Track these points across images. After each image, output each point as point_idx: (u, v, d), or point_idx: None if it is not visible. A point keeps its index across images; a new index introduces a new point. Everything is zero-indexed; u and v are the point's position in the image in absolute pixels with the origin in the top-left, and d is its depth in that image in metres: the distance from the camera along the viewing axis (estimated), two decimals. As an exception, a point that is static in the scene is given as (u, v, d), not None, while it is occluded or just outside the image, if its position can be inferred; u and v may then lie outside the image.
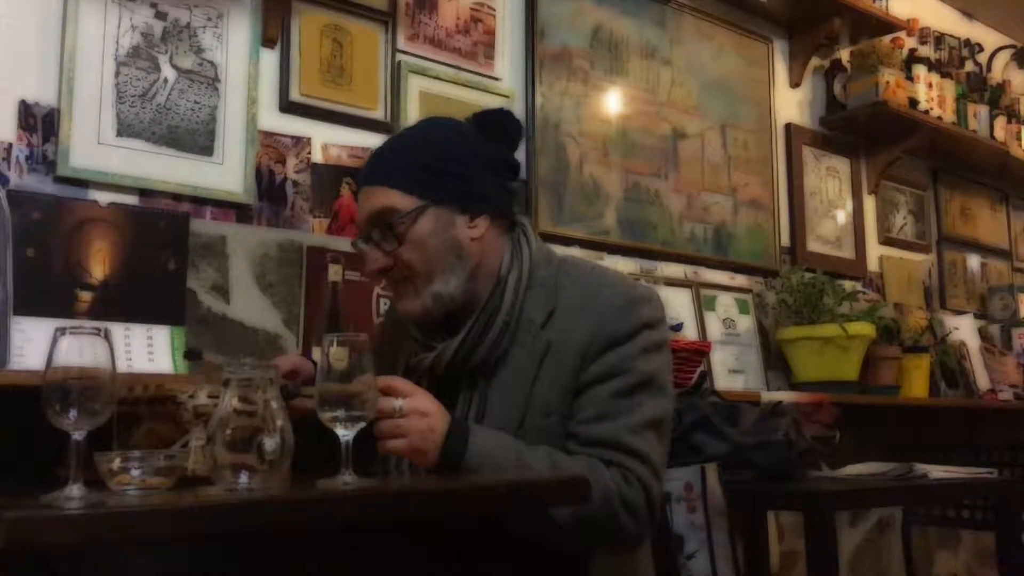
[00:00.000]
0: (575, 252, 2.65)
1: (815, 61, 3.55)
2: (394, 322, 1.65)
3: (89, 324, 1.10)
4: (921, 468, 2.18)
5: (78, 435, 1.02)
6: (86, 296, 1.85)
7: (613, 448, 1.36)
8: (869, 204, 3.74)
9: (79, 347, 1.04)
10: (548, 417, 1.40)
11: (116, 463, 1.05)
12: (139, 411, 1.31)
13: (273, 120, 2.22)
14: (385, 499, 1.11)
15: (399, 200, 1.40)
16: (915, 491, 2.29)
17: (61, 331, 1.05)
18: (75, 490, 0.97)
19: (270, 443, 1.08)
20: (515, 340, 1.42)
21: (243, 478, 1.06)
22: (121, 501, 0.99)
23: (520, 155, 2.61)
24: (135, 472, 1.05)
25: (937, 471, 2.20)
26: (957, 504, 2.91)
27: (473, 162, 1.44)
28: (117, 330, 1.80)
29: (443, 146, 1.44)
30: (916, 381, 3.28)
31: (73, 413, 1.01)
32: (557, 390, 1.40)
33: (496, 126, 1.50)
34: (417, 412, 1.30)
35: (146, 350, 1.87)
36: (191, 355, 1.74)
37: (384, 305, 2.23)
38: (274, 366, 1.20)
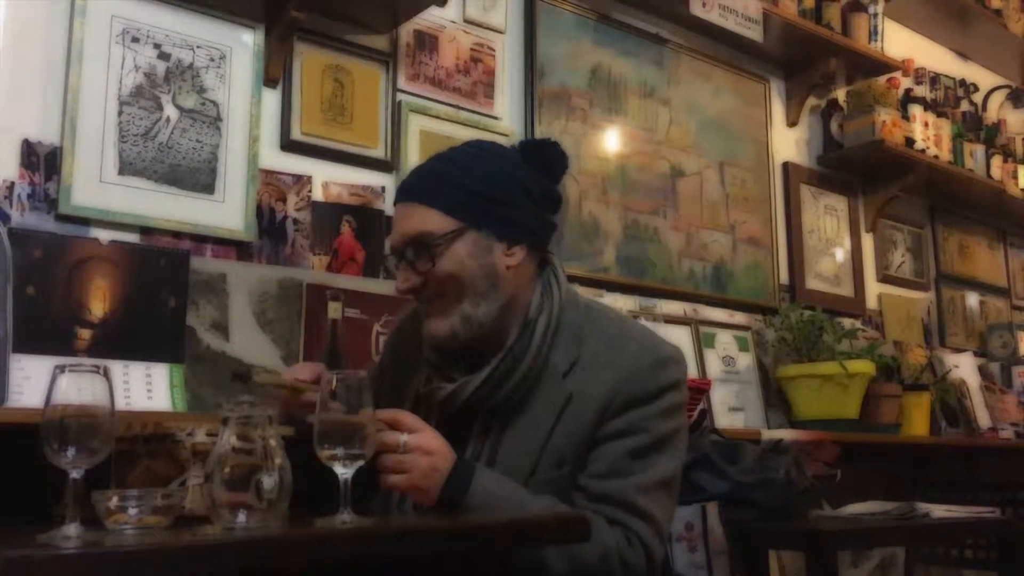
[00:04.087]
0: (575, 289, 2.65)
1: (812, 101, 3.58)
2: (399, 349, 1.61)
3: (88, 362, 1.10)
4: (923, 507, 2.17)
5: (76, 473, 1.02)
6: (86, 334, 1.85)
7: (619, 506, 1.34)
8: (867, 242, 3.75)
9: (78, 385, 1.04)
10: (560, 468, 1.37)
11: (113, 501, 1.04)
12: (137, 449, 1.31)
13: (274, 158, 2.23)
14: (383, 538, 1.10)
15: (437, 220, 1.37)
16: (918, 531, 2.27)
17: (60, 369, 1.05)
18: (72, 529, 0.97)
19: (268, 481, 1.07)
20: (537, 387, 1.39)
21: (241, 517, 1.06)
22: (118, 540, 0.98)
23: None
24: (132, 511, 1.04)
25: (939, 510, 2.19)
26: (960, 544, 2.88)
27: (515, 189, 1.40)
28: (116, 368, 1.80)
29: (487, 170, 1.40)
30: (917, 419, 3.26)
31: (71, 451, 1.01)
32: (572, 442, 1.37)
33: (541, 156, 1.46)
34: (421, 449, 1.28)
35: (145, 388, 1.87)
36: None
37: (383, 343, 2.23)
38: (272, 405, 1.20)
